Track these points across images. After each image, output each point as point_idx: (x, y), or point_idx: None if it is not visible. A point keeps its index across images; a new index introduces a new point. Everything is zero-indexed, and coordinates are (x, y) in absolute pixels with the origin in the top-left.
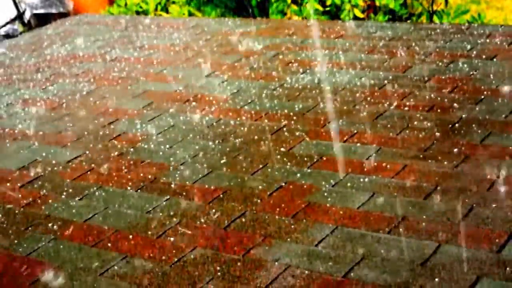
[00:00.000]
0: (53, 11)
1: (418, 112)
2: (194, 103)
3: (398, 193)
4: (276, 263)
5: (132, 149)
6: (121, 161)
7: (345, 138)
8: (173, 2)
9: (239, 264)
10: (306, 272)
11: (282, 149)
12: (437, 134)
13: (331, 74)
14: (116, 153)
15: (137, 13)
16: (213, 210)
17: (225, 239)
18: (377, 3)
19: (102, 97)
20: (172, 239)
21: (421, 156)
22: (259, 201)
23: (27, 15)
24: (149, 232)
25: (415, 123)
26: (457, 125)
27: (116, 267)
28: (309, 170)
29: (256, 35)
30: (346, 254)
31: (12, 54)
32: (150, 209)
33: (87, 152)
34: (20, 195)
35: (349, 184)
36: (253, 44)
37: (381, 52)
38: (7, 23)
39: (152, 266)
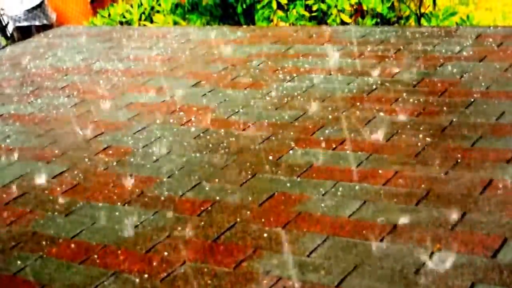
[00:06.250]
0: (36, 23)
1: (408, 117)
2: (180, 114)
3: (389, 200)
4: (268, 275)
5: (118, 163)
6: (108, 175)
7: (334, 146)
8: (158, 12)
9: (230, 277)
10: (299, 283)
11: (270, 158)
12: (428, 139)
13: (318, 80)
14: (102, 167)
15: (121, 23)
16: (202, 223)
17: (215, 252)
18: (365, 7)
19: (87, 110)
20: (161, 253)
21: (412, 162)
22: (248, 212)
23: (10, 28)
24: (138, 247)
25: (405, 128)
26: (447, 129)
27: (105, 284)
28: (298, 179)
29: (242, 43)
30: (338, 264)
31: None
32: (138, 223)
33: (73, 167)
34: (5, 213)
35: (339, 193)
36: (239, 52)
37: (369, 56)
38: None
39: (142, 281)
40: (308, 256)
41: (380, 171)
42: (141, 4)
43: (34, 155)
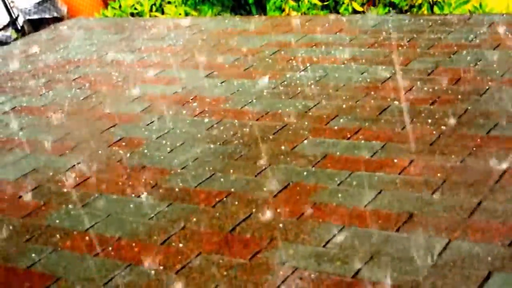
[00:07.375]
0: (47, 16)
1: (422, 105)
2: (193, 105)
3: (405, 190)
4: (284, 265)
5: (132, 154)
6: (121, 167)
7: (349, 135)
8: (169, 2)
9: (246, 268)
10: (315, 273)
11: (285, 148)
12: (443, 127)
13: (332, 70)
14: (115, 159)
15: (132, 15)
16: (217, 214)
17: (230, 243)
18: None
19: (100, 102)
20: (176, 245)
21: (427, 150)
22: (263, 203)
23: (20, 21)
24: (153, 238)
25: (420, 117)
26: (462, 117)
27: (120, 276)
28: (313, 169)
29: (255, 33)
30: (355, 254)
31: (6, 61)
32: (153, 215)
33: (86, 159)
34: (19, 206)
35: (355, 182)
36: (251, 42)
37: (382, 45)
38: (0, 29)
39: (157, 273)
40: (324, 246)
41: (395, 160)
42: None
43: (47, 148)
